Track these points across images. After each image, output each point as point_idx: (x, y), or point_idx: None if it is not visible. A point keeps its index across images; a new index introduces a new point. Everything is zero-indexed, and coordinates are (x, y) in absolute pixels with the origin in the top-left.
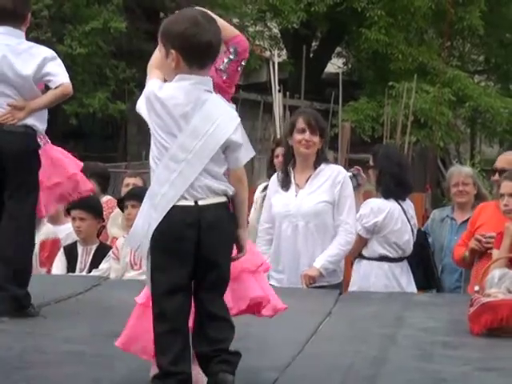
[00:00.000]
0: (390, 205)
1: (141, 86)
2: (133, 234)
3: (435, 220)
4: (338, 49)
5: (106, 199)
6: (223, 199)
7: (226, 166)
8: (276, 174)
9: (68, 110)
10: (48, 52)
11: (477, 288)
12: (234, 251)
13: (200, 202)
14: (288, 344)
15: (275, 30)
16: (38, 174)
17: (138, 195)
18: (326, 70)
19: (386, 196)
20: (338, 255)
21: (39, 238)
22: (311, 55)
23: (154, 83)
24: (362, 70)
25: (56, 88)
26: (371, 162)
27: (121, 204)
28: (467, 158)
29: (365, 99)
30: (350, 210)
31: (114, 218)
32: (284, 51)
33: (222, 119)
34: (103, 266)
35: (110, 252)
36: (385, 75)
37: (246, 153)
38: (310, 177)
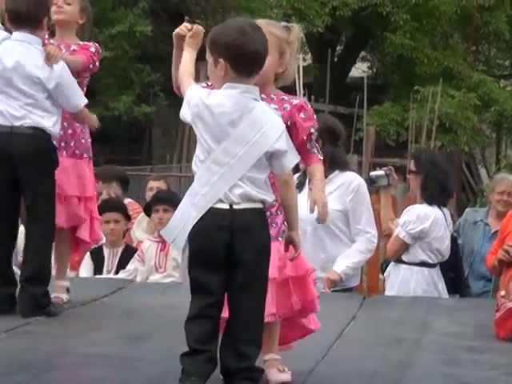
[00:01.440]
0: (435, 211)
1: (165, 89)
2: (170, 228)
3: (468, 221)
4: (363, 53)
5: (126, 202)
6: (259, 205)
7: (269, 172)
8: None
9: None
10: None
11: (503, 293)
12: (287, 253)
13: (235, 207)
14: (313, 348)
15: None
16: (53, 176)
17: (169, 199)
18: (351, 74)
19: (430, 202)
20: (359, 262)
21: None
22: (336, 59)
23: (198, 90)
24: (386, 74)
25: None
26: (413, 167)
27: (148, 208)
28: (492, 163)
29: (389, 103)
30: (368, 218)
31: (140, 222)
32: (309, 55)
33: (268, 127)
34: (130, 267)
35: (136, 255)
36: (410, 79)
37: (291, 158)
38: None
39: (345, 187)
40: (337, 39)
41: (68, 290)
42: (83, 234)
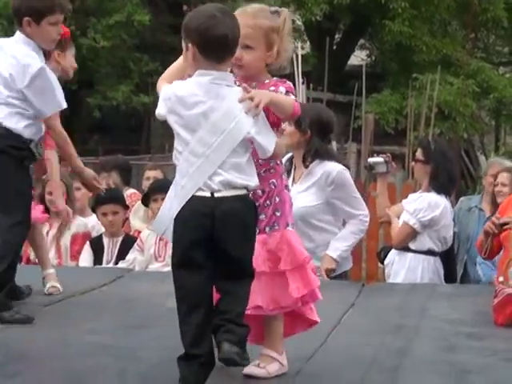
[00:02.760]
0: (444, 200)
1: None
2: (159, 220)
3: (462, 209)
4: (362, 41)
5: (129, 192)
6: (241, 192)
7: (249, 153)
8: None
9: (91, 102)
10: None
11: (501, 279)
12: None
13: (216, 194)
14: (311, 335)
15: (298, 23)
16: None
17: (168, 189)
18: (350, 62)
19: (439, 191)
20: (353, 244)
21: (70, 231)
22: (334, 47)
23: (170, 86)
24: (385, 62)
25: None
26: (421, 157)
27: (146, 198)
28: (491, 150)
29: (388, 91)
30: (356, 201)
31: (136, 211)
32: (307, 43)
33: (242, 114)
34: (129, 257)
35: (135, 244)
36: (408, 67)
37: (270, 140)
38: (302, 173)
39: (324, 178)
40: (335, 27)
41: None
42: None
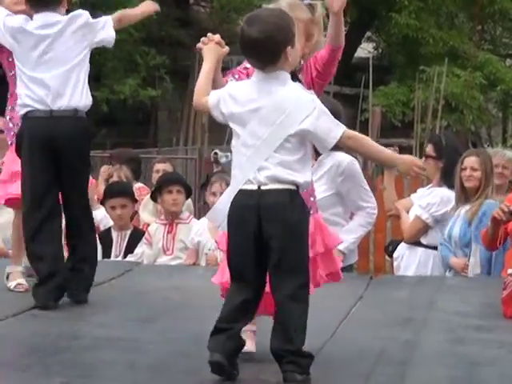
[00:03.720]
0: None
1: (171, 72)
2: (214, 212)
3: None
4: (368, 33)
5: (138, 186)
6: (288, 186)
7: (302, 153)
8: None
9: (99, 96)
10: None
11: (510, 271)
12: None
13: (262, 187)
14: (320, 328)
15: None
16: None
17: (181, 181)
18: (356, 54)
19: (451, 187)
20: (360, 236)
21: None
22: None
23: (218, 91)
24: (392, 55)
25: None
26: (432, 153)
27: (156, 190)
28: (499, 142)
29: (395, 84)
30: (365, 193)
31: (146, 204)
32: None
33: (292, 109)
34: (138, 250)
35: (143, 238)
36: (415, 59)
37: (335, 127)
38: (312, 165)
39: (334, 169)
40: (347, 22)
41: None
42: None
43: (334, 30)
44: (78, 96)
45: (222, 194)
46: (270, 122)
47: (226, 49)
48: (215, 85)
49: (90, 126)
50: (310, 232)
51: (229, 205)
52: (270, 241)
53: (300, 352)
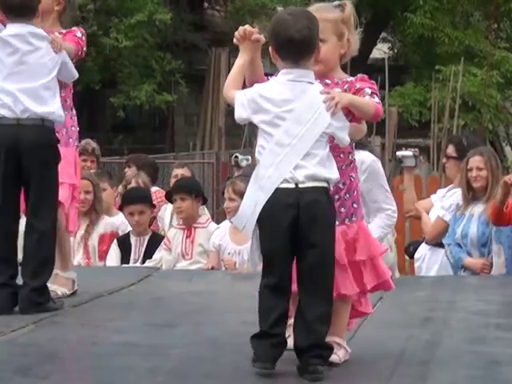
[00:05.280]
0: None
1: (186, 77)
2: (240, 215)
3: None
4: (384, 34)
5: (154, 190)
6: (323, 184)
7: (327, 151)
8: None
9: (115, 102)
10: None
11: None
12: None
13: (300, 185)
14: None
15: None
16: (56, 169)
17: (185, 187)
18: (372, 55)
19: None
20: (379, 238)
21: (98, 231)
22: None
23: (249, 90)
24: (407, 55)
25: None
26: (453, 153)
27: (169, 196)
28: None
29: (411, 84)
30: (386, 195)
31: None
32: None
33: (323, 107)
34: (156, 256)
35: (162, 243)
36: (431, 59)
37: (346, 131)
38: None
39: (357, 167)
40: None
41: (74, 282)
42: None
43: (357, 112)
44: (48, 108)
45: (230, 199)
46: (304, 120)
47: (262, 40)
48: (255, 77)
49: (57, 140)
50: (351, 237)
51: (255, 206)
52: (309, 238)
53: (324, 345)
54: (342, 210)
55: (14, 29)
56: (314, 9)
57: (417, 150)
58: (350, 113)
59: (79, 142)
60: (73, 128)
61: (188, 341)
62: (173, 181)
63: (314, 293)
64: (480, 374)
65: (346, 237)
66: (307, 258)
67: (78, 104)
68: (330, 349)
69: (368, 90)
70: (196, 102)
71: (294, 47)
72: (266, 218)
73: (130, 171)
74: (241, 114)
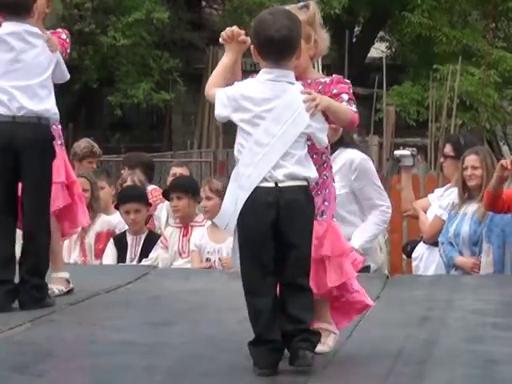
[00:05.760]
0: None
1: (184, 75)
2: (222, 213)
3: None
4: (381, 33)
5: (150, 188)
6: (303, 183)
7: (305, 150)
8: None
9: (113, 100)
10: None
11: None
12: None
13: (280, 184)
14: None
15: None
16: (51, 166)
17: (182, 186)
18: (369, 54)
19: None
20: (374, 235)
21: (94, 230)
22: (354, 40)
23: (228, 89)
24: (405, 54)
25: None
26: (450, 152)
27: (166, 195)
28: None
29: (409, 83)
30: (378, 191)
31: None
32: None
33: (302, 109)
34: (153, 255)
35: (159, 241)
36: (429, 58)
37: (325, 133)
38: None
39: (347, 167)
40: (354, 20)
41: (68, 282)
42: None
43: (333, 117)
44: (44, 106)
45: (207, 198)
46: (283, 120)
47: (248, 42)
48: (234, 77)
49: (53, 137)
50: (320, 235)
51: (236, 205)
52: (289, 237)
53: (310, 330)
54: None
55: (9, 27)
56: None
57: (414, 149)
58: (326, 116)
59: (75, 139)
60: (58, 126)
61: (185, 339)
62: (170, 179)
63: (294, 287)
64: (477, 373)
65: (316, 233)
66: (286, 257)
67: (76, 102)
68: (316, 334)
69: (345, 97)
70: (193, 101)
71: (273, 47)
72: (247, 217)
73: (125, 171)
74: (221, 111)
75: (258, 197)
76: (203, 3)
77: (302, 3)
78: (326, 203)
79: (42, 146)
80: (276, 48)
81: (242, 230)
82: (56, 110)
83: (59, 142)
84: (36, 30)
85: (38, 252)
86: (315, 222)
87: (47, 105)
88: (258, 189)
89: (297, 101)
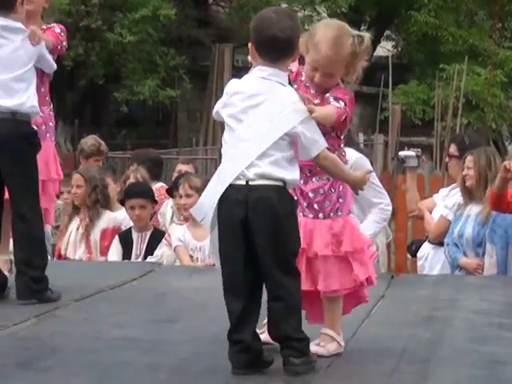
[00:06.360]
0: None
1: (190, 72)
2: (199, 206)
3: None
4: (387, 32)
5: (158, 186)
6: (276, 183)
7: (291, 151)
8: None
9: (119, 97)
10: None
11: None
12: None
13: (250, 183)
14: (341, 327)
15: (324, 15)
16: (33, 159)
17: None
18: (376, 53)
19: None
20: (374, 233)
21: (100, 226)
22: None
23: (228, 84)
24: (411, 53)
25: None
26: (455, 152)
27: (171, 191)
28: None
29: (415, 82)
30: (376, 190)
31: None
32: None
33: (291, 110)
34: (158, 252)
35: (164, 239)
36: (435, 58)
37: (319, 142)
38: None
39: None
40: (361, 19)
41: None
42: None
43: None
44: (19, 100)
45: (186, 195)
46: (266, 118)
47: None
48: None
49: (32, 131)
50: (337, 232)
51: (211, 199)
52: (257, 236)
53: (291, 337)
54: (327, 204)
55: None
56: (331, 32)
57: (419, 150)
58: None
59: (81, 136)
60: (50, 123)
61: (189, 337)
62: (175, 176)
63: (274, 288)
64: (482, 374)
65: (331, 231)
66: (259, 258)
67: (82, 98)
68: (301, 340)
69: (332, 94)
70: (199, 98)
71: (275, 46)
72: (220, 214)
73: (134, 167)
74: (216, 107)
75: (229, 194)
76: (210, 0)
77: (356, 32)
78: (340, 200)
79: (16, 142)
80: (278, 47)
81: (218, 227)
82: (34, 103)
83: (52, 138)
84: (15, 24)
85: (32, 243)
86: (330, 219)
87: (23, 98)
88: (230, 186)
89: (285, 102)
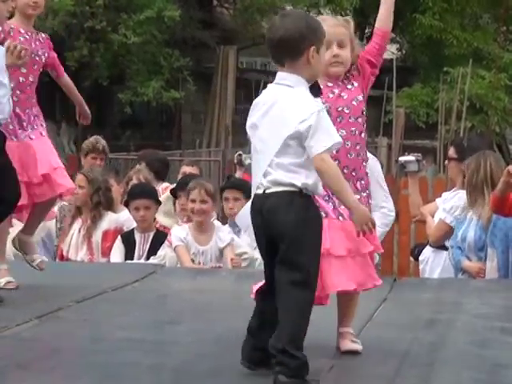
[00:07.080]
0: None
1: (194, 74)
2: (243, 217)
3: None
4: (392, 35)
5: (164, 186)
6: (288, 188)
7: (304, 156)
8: None
9: (123, 98)
10: None
11: None
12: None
13: (266, 191)
14: None
15: None
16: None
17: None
18: None
19: None
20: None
21: (102, 228)
22: (364, 42)
23: None
24: (416, 56)
25: None
26: (454, 155)
27: (174, 192)
28: None
29: (419, 85)
30: (382, 193)
31: (162, 205)
32: None
33: (292, 112)
34: (160, 253)
35: (166, 240)
36: (439, 61)
37: (320, 142)
38: None
39: None
40: (365, 21)
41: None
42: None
43: (386, 12)
44: None
45: (201, 201)
46: (273, 125)
47: None
48: None
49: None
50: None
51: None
52: (271, 241)
53: (286, 352)
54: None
55: None
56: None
57: (419, 154)
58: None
59: (85, 137)
60: (42, 122)
61: (191, 338)
62: (179, 177)
63: (283, 325)
64: (484, 377)
65: (346, 232)
66: (275, 260)
67: (86, 99)
68: (296, 358)
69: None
70: (203, 100)
71: (271, 48)
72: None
73: (137, 167)
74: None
75: (253, 203)
76: (214, 2)
77: (342, 18)
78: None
79: None
80: (273, 49)
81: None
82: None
83: (44, 133)
84: None
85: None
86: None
87: None
88: (254, 196)
89: (289, 105)
